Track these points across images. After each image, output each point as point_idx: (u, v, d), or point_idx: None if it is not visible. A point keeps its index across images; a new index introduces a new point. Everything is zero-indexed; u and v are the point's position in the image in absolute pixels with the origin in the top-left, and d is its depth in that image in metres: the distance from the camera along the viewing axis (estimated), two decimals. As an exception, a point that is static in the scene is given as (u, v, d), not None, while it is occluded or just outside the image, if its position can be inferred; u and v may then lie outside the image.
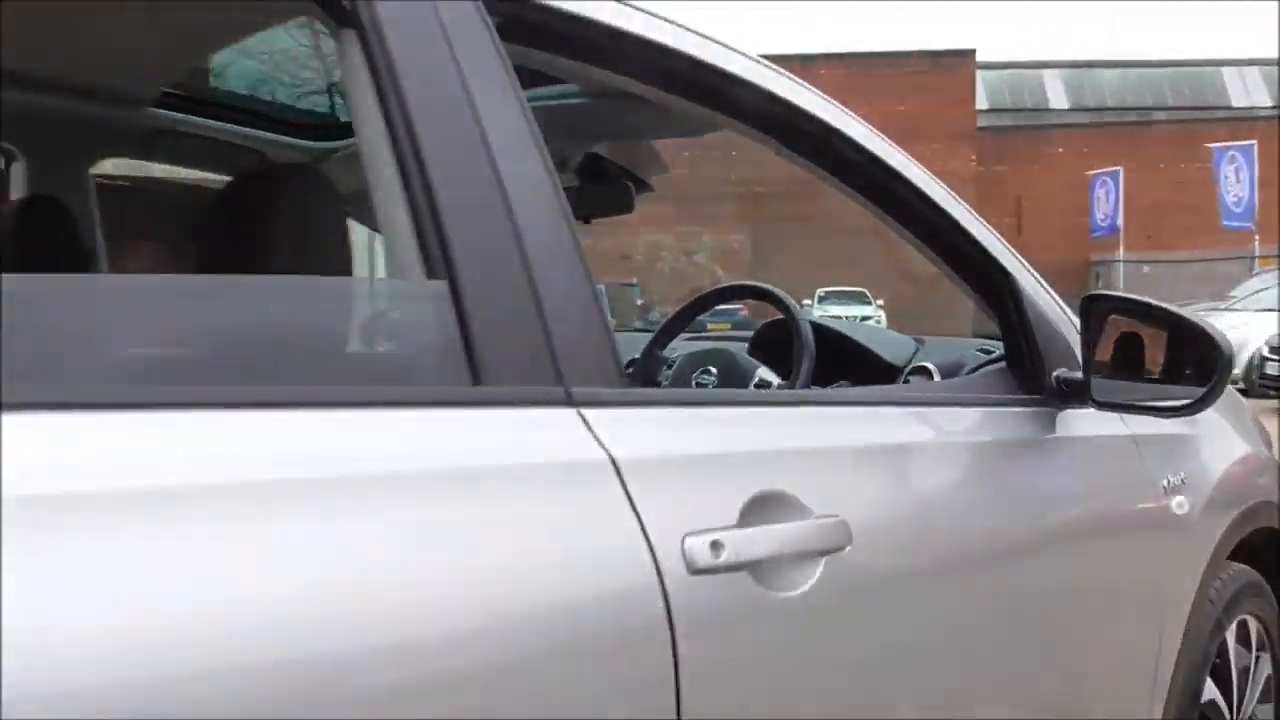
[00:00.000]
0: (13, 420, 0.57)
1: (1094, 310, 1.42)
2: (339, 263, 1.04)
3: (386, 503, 0.75)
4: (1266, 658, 2.00)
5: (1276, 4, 26.10)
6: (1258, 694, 1.95)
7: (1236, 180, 22.91)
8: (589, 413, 0.87)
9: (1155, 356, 1.54)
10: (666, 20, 1.13)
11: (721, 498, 0.92)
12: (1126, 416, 1.55)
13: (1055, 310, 1.50)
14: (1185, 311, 1.45)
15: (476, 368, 0.82)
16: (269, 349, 0.79)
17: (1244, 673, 1.90)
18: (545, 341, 0.86)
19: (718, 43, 1.20)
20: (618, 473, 0.85)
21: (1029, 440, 1.40)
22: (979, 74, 28.61)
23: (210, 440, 0.68)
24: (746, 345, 1.91)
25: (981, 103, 29.52)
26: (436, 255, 0.83)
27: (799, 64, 26.50)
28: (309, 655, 0.66)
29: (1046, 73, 32.18)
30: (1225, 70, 31.87)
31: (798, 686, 0.96)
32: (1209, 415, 1.84)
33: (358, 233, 1.35)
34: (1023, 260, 1.48)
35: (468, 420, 0.82)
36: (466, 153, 0.87)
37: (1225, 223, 22.95)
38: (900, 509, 1.16)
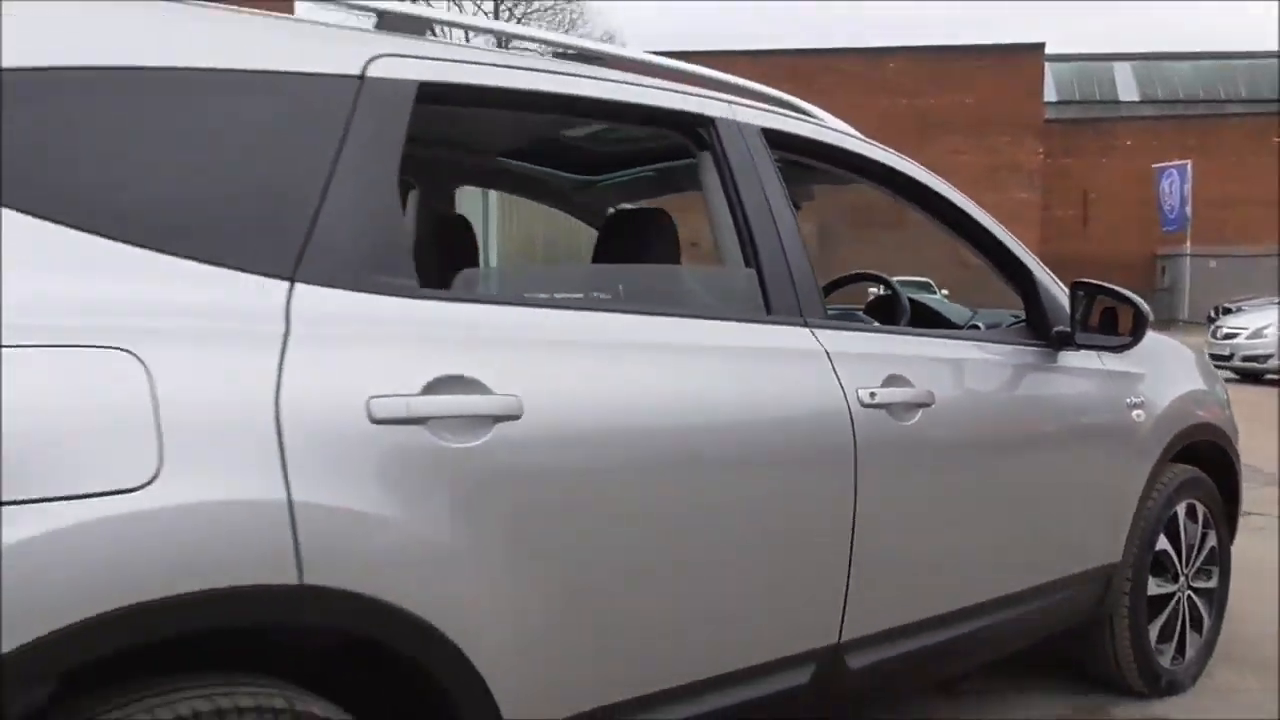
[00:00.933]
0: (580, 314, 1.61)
1: (1079, 289, 2.38)
2: (677, 257, 2.10)
3: (740, 359, 1.77)
4: (1212, 533, 2.93)
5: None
6: (1203, 555, 2.89)
7: (1308, 173, 22.83)
8: (814, 330, 1.88)
9: (1128, 324, 2.49)
10: (834, 129, 2.15)
11: (874, 372, 1.92)
12: (1104, 356, 2.50)
13: (1057, 289, 2.47)
14: (1126, 291, 2.39)
15: (769, 307, 1.84)
16: (699, 297, 1.83)
17: (1191, 543, 2.84)
18: (795, 297, 1.87)
19: (859, 138, 2.21)
20: (828, 356, 1.86)
21: (1037, 365, 2.37)
22: (1048, 66, 28.79)
23: (694, 331, 1.73)
24: (861, 309, 2.93)
25: (1050, 94, 29.66)
26: (750, 257, 1.85)
27: (871, 56, 27.05)
28: (708, 421, 1.67)
29: (1116, 65, 32.20)
30: (1302, 62, 31.54)
31: (906, 463, 1.96)
32: (1166, 363, 2.79)
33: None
34: (1034, 256, 2.45)
35: (766, 330, 1.84)
36: (759, 206, 1.88)
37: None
38: (961, 389, 2.15)
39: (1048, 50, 28.18)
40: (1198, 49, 33.11)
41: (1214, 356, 12.61)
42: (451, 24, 2.03)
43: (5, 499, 1.02)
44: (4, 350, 1.05)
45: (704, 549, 1.63)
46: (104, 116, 1.24)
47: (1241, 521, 4.97)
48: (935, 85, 26.39)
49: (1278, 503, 5.33)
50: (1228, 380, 12.39)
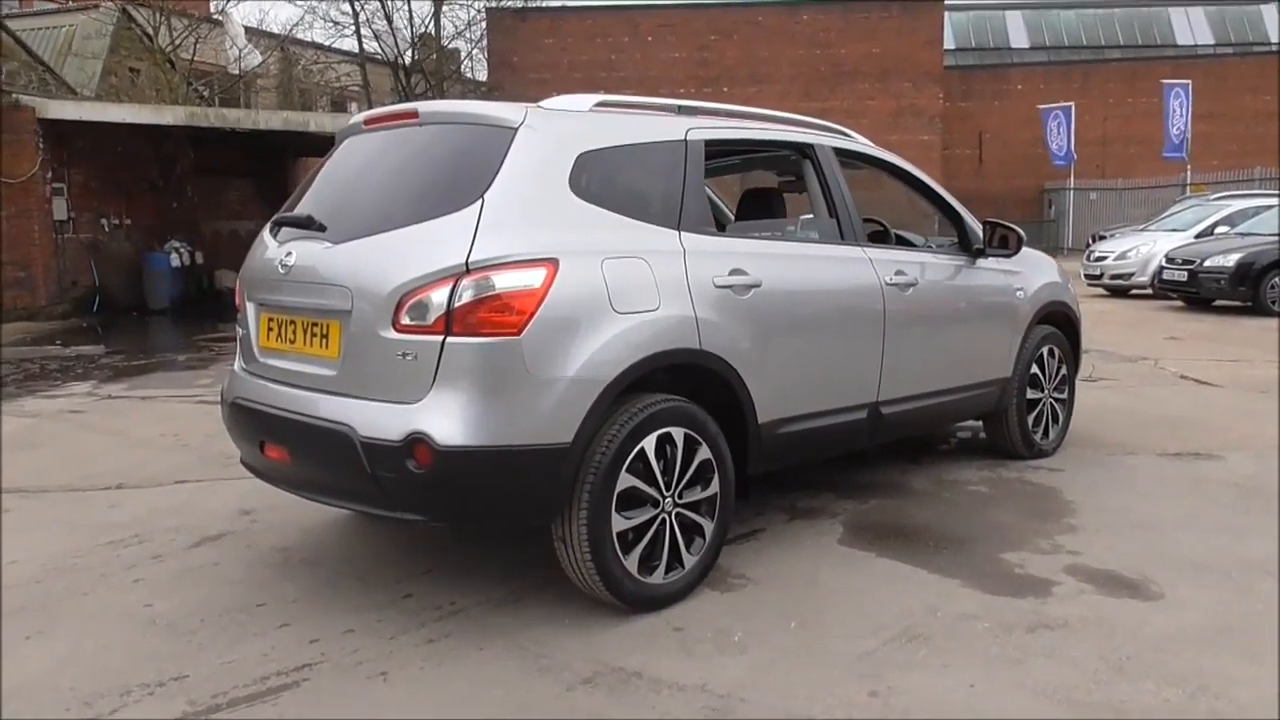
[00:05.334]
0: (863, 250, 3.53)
1: (988, 224, 4.37)
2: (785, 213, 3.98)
3: (836, 261, 3.69)
4: (1065, 367, 5.01)
5: (1215, -49, 28.44)
6: (1059, 379, 4.96)
7: (1180, 114, 25.52)
8: (863, 248, 3.81)
9: (1013, 243, 4.50)
10: (862, 143, 4.08)
11: (890, 268, 3.86)
12: (1001, 262, 4.51)
13: (975, 223, 4.44)
14: (1013, 225, 4.38)
15: (842, 236, 3.75)
16: (814, 232, 3.74)
17: (1050, 371, 4.90)
18: (853, 231, 3.79)
19: (872, 146, 4.14)
20: (870, 261, 3.79)
21: (966, 266, 4.35)
22: (947, 16, 30.92)
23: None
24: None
25: (949, 43, 31.89)
26: (832, 211, 3.75)
27: (786, 10, 28.83)
28: (831, 286, 3.59)
29: (1009, 13, 34.68)
30: (1172, 10, 34.55)
31: (906, 313, 3.88)
32: (1037, 268, 4.83)
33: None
34: (960, 204, 4.41)
35: (843, 248, 3.74)
36: (835, 186, 3.78)
37: (1165, 154, 25.61)
38: (928, 277, 4.08)
39: (946, 0, 30.27)
40: (1081, -2, 35.74)
41: (1088, 276, 15.00)
42: (707, 109, 3.71)
43: (620, 310, 2.87)
44: (609, 260, 2.88)
45: (829, 346, 3.56)
46: (616, 164, 3.08)
47: (1095, 382, 7.29)
48: (845, 36, 28.23)
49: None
50: (1099, 295, 14.86)
